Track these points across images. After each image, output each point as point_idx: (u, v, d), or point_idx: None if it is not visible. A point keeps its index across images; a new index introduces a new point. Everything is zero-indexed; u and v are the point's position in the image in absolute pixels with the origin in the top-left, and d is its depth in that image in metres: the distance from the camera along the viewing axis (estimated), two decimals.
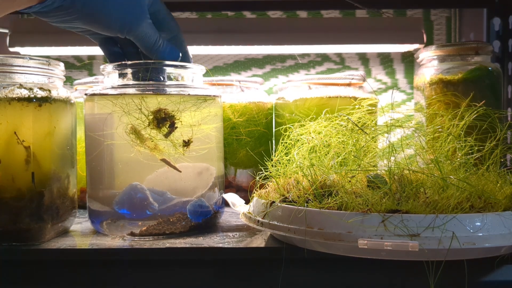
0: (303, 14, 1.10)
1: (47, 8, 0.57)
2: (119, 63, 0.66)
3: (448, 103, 0.82)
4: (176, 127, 0.63)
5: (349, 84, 0.87)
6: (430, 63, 0.88)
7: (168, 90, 0.66)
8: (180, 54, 0.68)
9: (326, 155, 0.64)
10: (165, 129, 0.63)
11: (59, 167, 0.65)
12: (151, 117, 0.63)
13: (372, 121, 0.74)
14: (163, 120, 0.62)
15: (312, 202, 0.55)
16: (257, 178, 0.65)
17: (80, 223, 0.74)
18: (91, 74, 1.12)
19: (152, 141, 0.63)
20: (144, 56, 0.68)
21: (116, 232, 0.65)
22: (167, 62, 0.67)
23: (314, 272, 0.58)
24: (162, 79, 0.66)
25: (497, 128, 0.61)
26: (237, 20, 1.07)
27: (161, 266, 0.60)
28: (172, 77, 0.67)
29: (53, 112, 0.63)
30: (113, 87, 0.66)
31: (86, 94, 0.68)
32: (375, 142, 0.69)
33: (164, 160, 0.64)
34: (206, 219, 0.68)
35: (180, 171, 0.65)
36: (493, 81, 0.84)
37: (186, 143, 0.64)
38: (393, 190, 0.54)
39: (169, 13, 0.68)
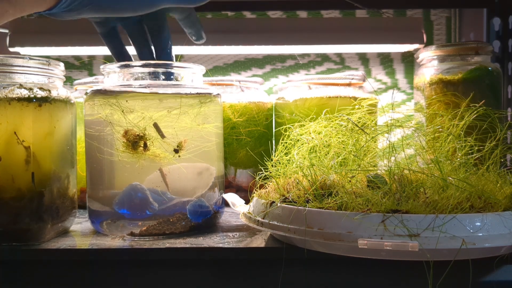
0: (303, 14, 1.10)
1: (58, 10, 0.55)
2: (119, 63, 0.67)
3: (448, 103, 0.82)
4: (148, 149, 0.63)
5: (349, 84, 0.87)
6: (430, 63, 0.88)
7: (168, 90, 0.66)
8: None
9: (326, 155, 0.64)
10: (141, 148, 0.63)
11: (59, 167, 0.65)
12: (123, 140, 0.63)
13: (372, 121, 0.74)
14: (136, 143, 0.63)
15: (312, 202, 0.55)
16: (257, 178, 0.65)
17: (80, 223, 0.74)
18: (91, 74, 1.12)
19: (148, 150, 0.63)
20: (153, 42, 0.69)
21: (116, 232, 0.65)
22: (167, 63, 0.67)
23: (314, 272, 0.58)
24: (162, 78, 0.67)
25: (497, 128, 0.61)
26: (237, 20, 1.07)
27: (161, 266, 0.60)
28: (172, 77, 0.68)
29: (53, 112, 0.63)
30: (113, 87, 0.66)
31: (86, 94, 0.68)
32: (375, 142, 0.69)
33: (160, 171, 0.64)
34: (206, 219, 0.68)
35: (168, 190, 0.65)
36: (493, 81, 0.84)
37: (177, 150, 0.64)
38: (393, 190, 0.54)
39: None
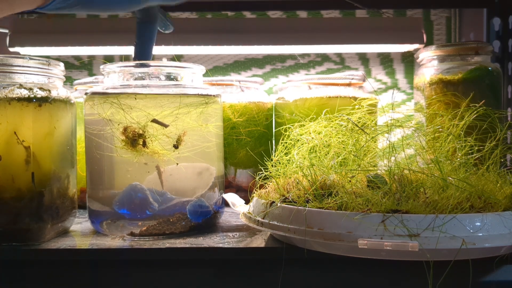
0: (303, 14, 1.10)
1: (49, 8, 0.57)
2: (119, 64, 0.67)
3: (448, 103, 0.82)
4: (147, 146, 0.63)
5: (349, 84, 0.87)
6: (430, 63, 0.88)
7: (168, 90, 0.66)
8: None
9: (326, 155, 0.64)
10: (140, 145, 0.63)
11: (59, 167, 0.65)
12: (122, 137, 0.63)
13: (372, 121, 0.74)
14: (135, 141, 0.63)
15: (312, 202, 0.55)
16: (257, 178, 0.65)
17: (80, 223, 0.74)
18: (91, 74, 1.12)
19: (148, 148, 0.63)
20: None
21: (116, 232, 0.65)
22: (167, 63, 0.67)
23: (314, 272, 0.58)
24: (161, 78, 0.67)
25: (497, 128, 0.61)
26: (237, 20, 1.07)
27: (161, 266, 0.60)
28: (172, 77, 0.68)
29: (53, 112, 0.63)
30: (113, 87, 0.66)
31: (86, 94, 0.68)
32: (375, 142, 0.69)
33: (157, 168, 0.64)
34: (206, 219, 0.68)
35: (162, 188, 0.65)
36: (493, 81, 0.84)
37: (176, 146, 0.64)
38: (393, 190, 0.54)
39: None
